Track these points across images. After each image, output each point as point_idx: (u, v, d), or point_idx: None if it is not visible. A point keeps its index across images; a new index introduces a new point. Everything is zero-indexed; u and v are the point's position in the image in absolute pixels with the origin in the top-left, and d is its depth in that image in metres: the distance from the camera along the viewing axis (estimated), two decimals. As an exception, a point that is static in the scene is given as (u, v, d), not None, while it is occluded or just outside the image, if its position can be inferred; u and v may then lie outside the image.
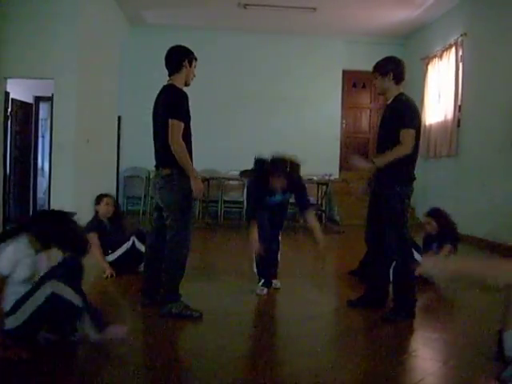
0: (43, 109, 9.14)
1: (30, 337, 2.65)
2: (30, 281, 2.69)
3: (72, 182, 7.02)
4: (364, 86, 10.69)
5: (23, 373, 2.46)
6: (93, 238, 4.50)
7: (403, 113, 3.51)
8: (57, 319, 2.70)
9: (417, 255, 4.15)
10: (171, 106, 3.42)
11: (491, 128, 7.19)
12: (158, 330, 3.26)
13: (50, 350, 2.70)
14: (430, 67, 9.15)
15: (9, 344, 2.56)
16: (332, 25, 9.75)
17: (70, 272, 2.74)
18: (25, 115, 8.39)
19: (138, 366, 2.69)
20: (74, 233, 2.81)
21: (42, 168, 9.54)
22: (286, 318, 3.64)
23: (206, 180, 8.46)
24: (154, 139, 3.58)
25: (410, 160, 3.53)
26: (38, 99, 8.88)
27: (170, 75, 3.57)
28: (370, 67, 3.82)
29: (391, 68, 3.59)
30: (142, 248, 4.35)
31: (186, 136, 3.46)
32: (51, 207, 7.03)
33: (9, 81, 7.18)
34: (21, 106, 8.23)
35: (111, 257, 4.73)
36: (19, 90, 7.94)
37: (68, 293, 2.63)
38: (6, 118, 7.27)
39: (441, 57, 8.72)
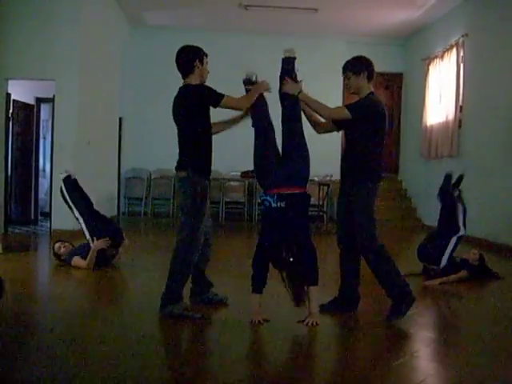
0: (44, 110, 9.16)
1: None
2: None
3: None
4: (365, 87, 10.68)
5: None
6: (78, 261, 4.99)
7: (361, 102, 3.55)
8: None
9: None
10: (204, 97, 3.44)
11: (492, 128, 7.19)
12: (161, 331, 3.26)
13: None
14: (431, 68, 9.15)
15: None
16: (333, 25, 9.76)
17: None
18: (26, 116, 8.40)
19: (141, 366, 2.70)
20: None
21: (44, 169, 9.56)
22: (286, 318, 3.63)
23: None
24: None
25: (375, 156, 3.55)
26: (39, 100, 8.89)
27: (183, 77, 3.56)
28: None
29: (365, 66, 3.59)
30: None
31: (209, 128, 3.55)
32: (52, 208, 7.06)
33: (10, 82, 7.20)
34: (22, 107, 8.24)
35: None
36: (20, 91, 7.95)
37: None
38: (7, 119, 7.28)
39: (442, 57, 8.72)
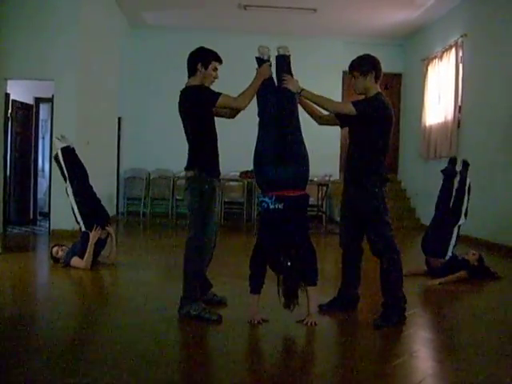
0: (43, 110, 9.15)
1: None
2: None
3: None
4: (364, 87, 10.68)
5: None
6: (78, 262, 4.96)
7: (368, 101, 3.47)
8: None
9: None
10: (200, 97, 3.44)
11: (491, 129, 7.19)
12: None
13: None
14: (430, 68, 9.16)
15: None
16: (332, 26, 9.76)
17: None
18: (25, 116, 8.39)
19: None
20: None
21: (42, 169, 9.54)
22: (284, 318, 3.63)
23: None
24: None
25: (382, 159, 3.51)
26: (38, 100, 8.88)
27: (188, 78, 3.58)
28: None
29: (372, 66, 3.48)
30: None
31: (211, 127, 3.56)
32: (51, 208, 7.05)
33: (9, 82, 7.20)
34: (21, 107, 8.23)
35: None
36: (19, 91, 7.95)
37: None
38: (6, 119, 7.28)
39: (441, 58, 8.73)
